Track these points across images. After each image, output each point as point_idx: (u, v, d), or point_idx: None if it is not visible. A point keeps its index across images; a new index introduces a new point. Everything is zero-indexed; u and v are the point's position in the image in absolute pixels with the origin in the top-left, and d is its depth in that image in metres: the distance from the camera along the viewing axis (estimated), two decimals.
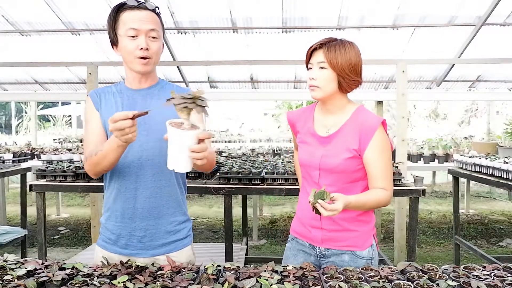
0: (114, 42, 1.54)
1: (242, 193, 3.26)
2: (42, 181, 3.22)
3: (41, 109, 16.33)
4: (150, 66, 1.53)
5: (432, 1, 4.49)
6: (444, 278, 1.35)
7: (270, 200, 7.48)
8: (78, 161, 4.41)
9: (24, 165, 4.59)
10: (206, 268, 1.41)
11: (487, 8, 4.46)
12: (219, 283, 1.29)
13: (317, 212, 1.38)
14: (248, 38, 5.18)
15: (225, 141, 8.48)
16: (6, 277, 1.32)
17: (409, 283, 1.30)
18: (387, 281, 1.33)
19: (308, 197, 1.42)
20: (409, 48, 5.23)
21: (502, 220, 6.24)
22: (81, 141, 7.91)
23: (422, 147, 5.86)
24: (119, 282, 1.27)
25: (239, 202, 5.01)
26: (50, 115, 16.41)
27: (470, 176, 3.85)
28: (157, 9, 1.54)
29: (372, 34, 5.02)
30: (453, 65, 5.36)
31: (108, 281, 1.30)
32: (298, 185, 1.89)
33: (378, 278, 1.35)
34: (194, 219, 6.18)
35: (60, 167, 3.33)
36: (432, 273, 1.38)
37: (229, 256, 2.99)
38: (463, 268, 1.44)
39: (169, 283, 1.28)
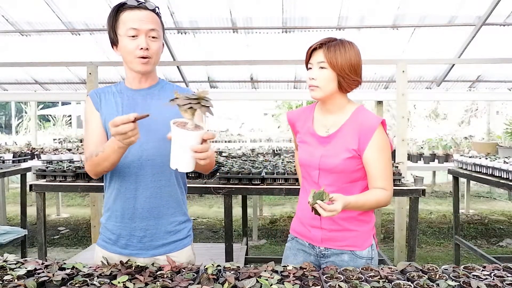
0: (114, 42, 1.54)
1: (242, 193, 3.26)
2: (42, 181, 3.22)
3: (41, 109, 16.32)
4: (150, 66, 1.53)
5: (432, 1, 4.49)
6: (444, 278, 1.35)
7: (270, 200, 7.48)
8: (78, 161, 4.41)
9: (24, 165, 4.59)
10: (206, 268, 1.41)
11: (487, 8, 4.46)
12: (219, 283, 1.29)
13: (316, 213, 1.38)
14: (248, 38, 5.19)
15: (225, 141, 8.48)
16: (6, 277, 1.32)
17: (409, 283, 1.30)
18: (387, 281, 1.33)
19: (308, 197, 1.42)
20: (409, 48, 5.23)
21: (502, 220, 6.24)
22: (81, 141, 7.91)
23: (422, 147, 5.86)
24: (119, 282, 1.27)
25: (239, 202, 5.01)
26: (50, 115, 16.41)
27: (470, 176, 3.85)
28: (157, 9, 1.54)
29: (372, 34, 5.02)
30: (453, 65, 5.36)
31: (108, 281, 1.30)
32: (298, 185, 1.90)
33: (378, 278, 1.35)
34: (194, 219, 6.18)
35: (60, 167, 3.33)
36: (432, 273, 1.38)
37: (229, 256, 2.99)
38: (463, 268, 1.44)
39: (169, 283, 1.28)
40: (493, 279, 1.33)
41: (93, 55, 5.30)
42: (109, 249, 1.59)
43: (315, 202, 1.37)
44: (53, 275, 1.32)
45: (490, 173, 3.50)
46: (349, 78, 1.55)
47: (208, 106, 1.23)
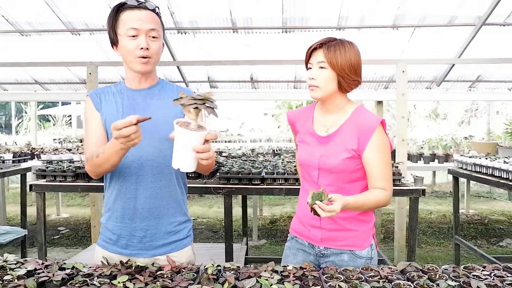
0: (114, 42, 1.53)
1: (242, 193, 3.26)
2: (42, 181, 3.22)
3: (41, 109, 16.32)
4: (150, 66, 1.53)
5: (432, 1, 4.49)
6: (444, 278, 1.35)
7: (270, 200, 7.48)
8: (78, 161, 4.41)
9: (24, 165, 4.59)
10: (206, 268, 1.41)
11: (487, 8, 4.46)
12: (219, 283, 1.29)
13: (315, 213, 1.38)
14: (248, 38, 5.19)
15: (225, 141, 8.48)
16: (6, 277, 1.32)
17: (409, 283, 1.30)
18: (387, 281, 1.33)
19: (307, 197, 1.42)
20: (409, 48, 5.23)
21: (502, 220, 6.24)
22: (81, 141, 7.91)
23: (422, 147, 5.86)
24: (119, 282, 1.27)
25: (239, 202, 5.01)
26: (50, 115, 16.41)
27: (470, 176, 3.85)
28: (157, 8, 1.54)
29: (372, 34, 5.02)
30: (453, 65, 5.36)
31: (108, 281, 1.30)
32: (298, 185, 1.90)
33: (378, 278, 1.35)
34: (194, 219, 6.18)
35: (60, 167, 3.33)
36: (432, 273, 1.38)
37: (229, 256, 2.99)
38: (463, 268, 1.44)
39: (169, 283, 1.28)
40: (493, 279, 1.33)
41: (93, 55, 5.30)
42: (110, 249, 1.59)
43: (314, 203, 1.37)
44: (53, 275, 1.32)
45: (490, 173, 3.50)
46: (349, 78, 1.55)
47: (213, 108, 1.23)
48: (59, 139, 8.49)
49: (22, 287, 1.25)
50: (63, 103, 17.52)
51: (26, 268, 1.40)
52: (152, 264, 1.47)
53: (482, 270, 1.43)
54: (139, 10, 1.49)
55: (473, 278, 1.34)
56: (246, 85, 6.24)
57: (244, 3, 4.59)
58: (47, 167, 3.34)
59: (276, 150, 5.96)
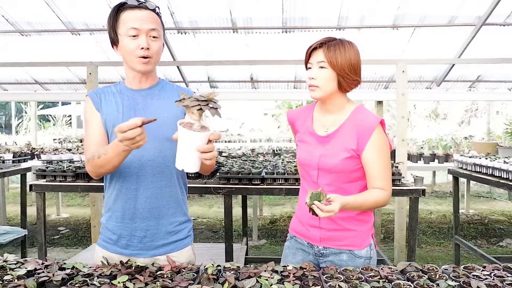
0: (114, 42, 1.53)
1: (242, 193, 3.26)
2: (42, 181, 3.22)
3: (41, 109, 16.32)
4: (151, 65, 1.53)
5: (432, 1, 4.49)
6: (444, 278, 1.35)
7: (270, 200, 7.48)
8: (78, 161, 4.41)
9: (24, 165, 4.59)
10: (206, 268, 1.41)
11: (487, 8, 4.46)
12: (219, 283, 1.29)
13: (314, 213, 1.39)
14: (248, 38, 5.18)
15: (225, 141, 8.48)
16: (6, 277, 1.32)
17: (409, 283, 1.30)
18: (387, 281, 1.33)
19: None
20: (409, 48, 5.23)
21: (502, 220, 6.24)
22: (81, 141, 7.91)
23: (422, 147, 5.86)
24: (119, 282, 1.27)
25: (239, 202, 5.01)
26: (50, 115, 16.40)
27: (470, 176, 3.85)
28: (157, 8, 1.54)
29: (372, 34, 5.02)
30: (453, 65, 5.36)
31: (108, 281, 1.30)
32: (298, 185, 1.90)
33: (378, 278, 1.35)
34: (194, 219, 6.18)
35: (60, 167, 3.33)
36: (432, 273, 1.38)
37: (229, 256, 2.99)
38: (463, 268, 1.44)
39: (169, 283, 1.28)
40: (493, 279, 1.33)
41: (93, 55, 5.30)
42: (110, 249, 1.59)
43: (312, 203, 1.37)
44: (53, 275, 1.32)
45: (490, 173, 3.50)
46: (349, 77, 1.55)
47: (217, 108, 1.24)
48: (59, 139, 8.49)
49: (22, 287, 1.25)
50: (63, 103, 17.52)
51: (26, 268, 1.40)
52: (152, 264, 1.47)
53: (482, 270, 1.43)
54: (139, 10, 1.49)
55: (473, 278, 1.34)
56: (246, 85, 6.24)
57: (244, 3, 4.59)
58: (47, 167, 3.34)
59: (276, 150, 5.96)
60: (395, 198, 3.79)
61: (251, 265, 1.51)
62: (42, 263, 1.46)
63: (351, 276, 1.38)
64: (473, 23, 4.72)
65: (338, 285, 1.27)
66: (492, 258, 3.53)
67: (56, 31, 5.09)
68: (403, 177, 3.27)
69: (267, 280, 1.27)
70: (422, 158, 5.03)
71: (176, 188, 1.61)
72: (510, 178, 3.24)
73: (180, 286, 1.26)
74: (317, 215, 1.38)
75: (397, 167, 3.37)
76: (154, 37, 1.50)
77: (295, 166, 3.19)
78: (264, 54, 5.42)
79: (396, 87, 3.97)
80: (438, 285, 1.28)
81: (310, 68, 1.59)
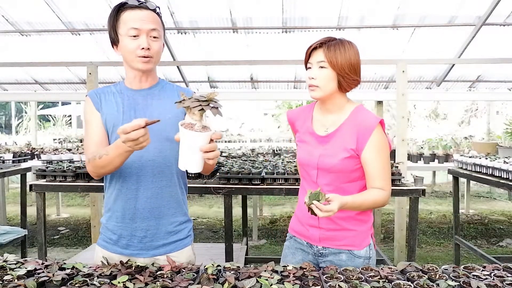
0: (114, 42, 1.53)
1: (242, 193, 3.26)
2: (42, 181, 3.22)
3: (41, 109, 16.32)
4: (151, 64, 1.53)
5: (432, 1, 4.49)
6: (444, 278, 1.35)
7: (270, 200, 7.48)
8: (78, 161, 4.41)
9: (24, 165, 4.59)
10: (206, 268, 1.41)
11: (487, 8, 4.46)
12: (219, 283, 1.29)
13: (313, 213, 1.39)
14: (248, 38, 5.19)
15: (225, 141, 8.48)
16: (6, 277, 1.32)
17: (409, 283, 1.30)
18: (387, 281, 1.33)
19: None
20: (409, 48, 5.23)
21: (502, 220, 6.24)
22: (81, 141, 7.91)
23: (422, 147, 5.86)
24: (119, 282, 1.27)
25: (239, 202, 5.01)
26: (50, 115, 16.40)
27: (470, 176, 3.85)
28: (157, 9, 1.54)
29: (372, 34, 5.02)
30: (453, 65, 5.36)
31: (108, 281, 1.30)
32: (298, 185, 1.90)
33: (378, 278, 1.35)
34: (194, 219, 6.18)
35: (60, 167, 3.33)
36: (432, 273, 1.38)
37: (229, 256, 2.99)
38: (463, 268, 1.44)
39: (169, 283, 1.28)
40: (493, 279, 1.33)
41: (93, 55, 5.30)
42: (110, 249, 1.59)
43: (311, 202, 1.37)
44: (53, 275, 1.32)
45: (490, 173, 3.50)
46: (349, 77, 1.55)
47: (218, 108, 1.24)
48: (59, 139, 8.49)
49: (22, 287, 1.25)
50: (63, 103, 17.51)
51: (26, 268, 1.40)
52: (152, 264, 1.47)
53: (482, 270, 1.43)
54: (140, 10, 1.49)
55: (473, 278, 1.34)
56: (246, 85, 6.24)
57: (244, 3, 4.59)
58: (47, 167, 3.34)
59: (276, 150, 5.96)
60: (395, 198, 3.79)
61: (251, 265, 1.51)
62: (42, 263, 1.46)
63: (351, 276, 1.38)
64: (473, 23, 4.72)
65: (338, 285, 1.27)
66: (492, 258, 3.53)
67: (56, 31, 5.09)
68: (403, 177, 3.27)
69: (267, 280, 1.27)
70: (422, 158, 5.03)
71: (176, 188, 1.61)
72: (510, 178, 3.24)
73: (180, 286, 1.26)
74: (316, 215, 1.38)
75: (397, 167, 3.37)
76: (154, 37, 1.50)
77: (295, 166, 3.19)
78: (264, 54, 5.42)
79: (396, 87, 3.97)
80: (438, 285, 1.28)
81: (310, 68, 1.59)
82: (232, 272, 1.39)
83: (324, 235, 1.63)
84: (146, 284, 1.29)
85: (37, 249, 3.24)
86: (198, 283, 1.30)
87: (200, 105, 1.22)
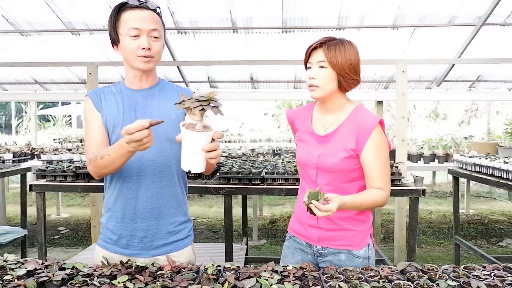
0: (115, 42, 1.53)
1: (242, 193, 3.26)
2: (42, 181, 3.22)
3: (41, 109, 16.32)
4: (152, 64, 1.53)
5: (432, 1, 4.49)
6: (444, 278, 1.35)
7: (270, 200, 7.48)
8: (78, 161, 4.41)
9: (24, 165, 4.59)
10: (206, 268, 1.41)
11: (487, 8, 4.46)
12: (219, 283, 1.29)
13: (312, 212, 1.39)
14: (248, 38, 5.18)
15: (225, 141, 8.48)
16: (6, 277, 1.32)
17: (409, 283, 1.30)
18: (387, 281, 1.33)
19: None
20: (409, 48, 5.23)
21: (502, 220, 6.24)
22: (81, 141, 7.91)
23: (422, 147, 5.86)
24: (119, 282, 1.27)
25: (239, 202, 5.01)
26: (50, 115, 16.41)
27: (470, 176, 3.85)
28: (158, 9, 1.54)
29: (372, 34, 5.02)
30: (453, 65, 5.36)
31: (108, 281, 1.30)
32: (298, 185, 1.89)
33: (378, 278, 1.35)
34: (194, 219, 6.18)
35: (60, 167, 3.33)
36: (432, 273, 1.39)
37: (229, 256, 2.99)
38: (463, 268, 1.44)
39: (169, 283, 1.28)
40: (493, 279, 1.33)
41: (93, 55, 5.30)
42: (110, 249, 1.59)
43: (310, 202, 1.37)
44: (53, 275, 1.32)
45: (490, 173, 3.50)
46: (348, 77, 1.55)
47: (218, 106, 1.24)
48: (59, 139, 8.50)
49: (22, 287, 1.25)
50: (63, 103, 17.52)
51: (26, 268, 1.40)
52: (152, 264, 1.47)
53: (482, 270, 1.43)
54: (140, 10, 1.49)
55: (473, 278, 1.34)
56: (246, 85, 6.24)
57: (244, 3, 4.59)
58: (47, 167, 3.34)
59: (276, 150, 5.96)
60: (395, 198, 3.79)
61: (251, 265, 1.51)
62: (42, 263, 1.46)
63: (351, 276, 1.38)
64: (473, 23, 4.72)
65: (338, 285, 1.27)
66: (492, 258, 3.53)
67: (56, 31, 5.09)
68: (403, 177, 3.27)
69: (267, 280, 1.27)
70: (422, 158, 5.03)
71: (176, 188, 1.61)
72: (510, 178, 3.24)
73: (180, 286, 1.26)
74: (315, 215, 1.38)
75: (397, 167, 3.37)
76: (155, 37, 1.50)
77: (295, 166, 3.19)
78: (264, 54, 5.41)
79: (396, 87, 3.97)
80: (438, 285, 1.28)
81: (310, 68, 1.59)
82: (232, 272, 1.39)
83: (323, 235, 1.63)
84: (146, 284, 1.29)
85: (37, 249, 3.24)
86: (198, 283, 1.30)
87: (201, 105, 1.22)
